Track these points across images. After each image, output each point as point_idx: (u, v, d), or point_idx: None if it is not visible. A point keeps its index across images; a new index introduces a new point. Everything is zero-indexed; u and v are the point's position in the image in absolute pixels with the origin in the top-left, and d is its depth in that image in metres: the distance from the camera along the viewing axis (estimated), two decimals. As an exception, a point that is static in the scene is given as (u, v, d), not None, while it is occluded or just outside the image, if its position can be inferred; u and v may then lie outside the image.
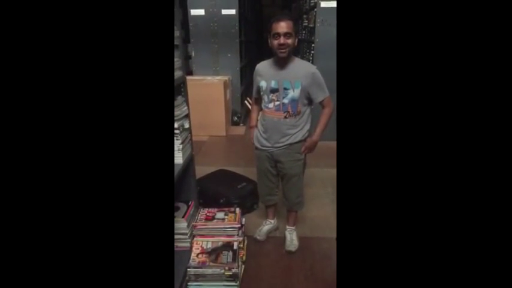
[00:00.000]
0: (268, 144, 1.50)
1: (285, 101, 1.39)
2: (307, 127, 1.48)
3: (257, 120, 1.58)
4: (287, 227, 1.69)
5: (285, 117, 1.41)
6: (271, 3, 8.70)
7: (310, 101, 1.44)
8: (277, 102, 1.41)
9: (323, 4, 2.78)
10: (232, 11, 3.38)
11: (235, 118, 3.77)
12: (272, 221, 1.77)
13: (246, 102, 3.86)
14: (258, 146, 1.55)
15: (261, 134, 1.52)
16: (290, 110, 1.40)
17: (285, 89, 1.38)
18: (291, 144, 1.46)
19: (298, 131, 1.45)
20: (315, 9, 2.90)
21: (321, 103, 1.43)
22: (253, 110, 1.63)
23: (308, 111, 1.46)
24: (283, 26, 1.28)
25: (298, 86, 1.37)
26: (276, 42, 1.30)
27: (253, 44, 5.24)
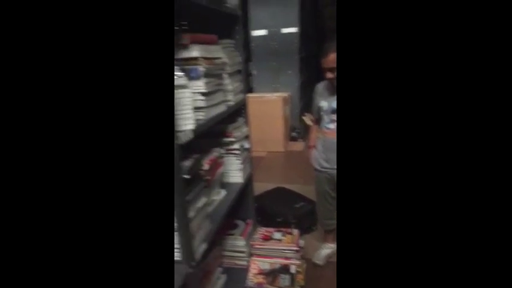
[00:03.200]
0: (327, 165, 1.46)
1: None
2: None
3: (316, 140, 1.55)
4: None
5: None
6: (333, 17, 8.59)
7: None
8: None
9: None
10: (293, 29, 3.43)
11: (294, 134, 3.76)
12: (332, 246, 1.68)
13: (303, 117, 3.83)
14: (318, 167, 1.52)
15: (320, 155, 1.49)
16: None
17: None
18: None
19: None
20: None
21: None
22: (312, 129, 1.61)
23: None
24: (328, 62, 1.29)
25: None
26: (325, 75, 1.34)
27: (314, 58, 5.22)
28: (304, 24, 3.91)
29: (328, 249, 1.67)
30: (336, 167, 1.41)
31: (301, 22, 3.50)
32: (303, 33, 3.66)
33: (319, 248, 1.68)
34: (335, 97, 1.37)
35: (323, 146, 1.47)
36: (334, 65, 1.27)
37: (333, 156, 1.42)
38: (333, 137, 1.40)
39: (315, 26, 5.31)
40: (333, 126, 1.40)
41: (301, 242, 1.54)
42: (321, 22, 6.94)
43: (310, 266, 1.61)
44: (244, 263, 1.46)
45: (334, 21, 8.27)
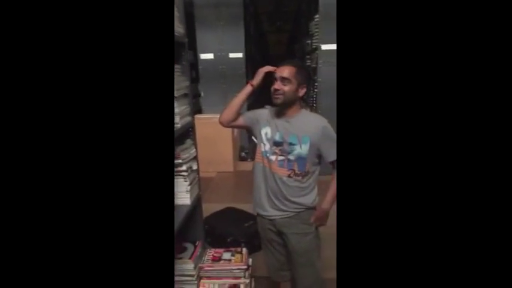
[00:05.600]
0: (267, 210, 1.26)
1: (291, 157, 1.18)
2: (316, 191, 1.26)
3: (253, 168, 1.35)
4: None
5: (289, 175, 1.19)
6: (277, 43, 9.23)
7: (321, 160, 1.24)
8: (281, 157, 1.20)
9: (324, 47, 2.95)
10: (239, 55, 3.60)
11: (243, 154, 3.85)
12: None
13: (253, 138, 3.96)
14: (259, 210, 1.33)
15: (260, 193, 1.29)
16: (295, 169, 1.19)
17: (291, 144, 1.18)
18: (298, 211, 1.22)
19: (304, 195, 1.22)
20: (317, 52, 3.07)
21: (332, 163, 1.20)
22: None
23: (317, 172, 1.25)
24: (281, 71, 1.16)
25: (306, 142, 1.17)
26: (272, 86, 1.18)
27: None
28: (250, 49, 4.13)
29: None
30: (276, 207, 1.24)
31: (246, 47, 3.69)
32: (248, 58, 3.86)
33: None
34: (281, 127, 1.20)
35: (265, 181, 1.25)
36: (287, 75, 1.15)
37: (273, 194, 1.23)
38: (275, 171, 1.21)
39: (259, 51, 5.62)
40: (274, 158, 1.20)
41: (250, 261, 1.57)
42: (265, 48, 7.39)
43: (258, 284, 1.64)
44: (194, 287, 1.43)
45: (277, 47, 8.84)
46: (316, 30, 3.09)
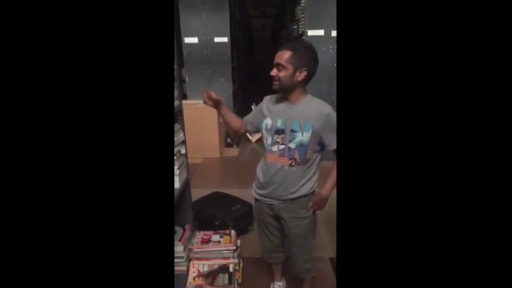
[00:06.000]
0: (268, 195, 1.26)
1: (292, 145, 1.17)
2: (316, 177, 1.25)
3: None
4: None
5: (291, 164, 1.19)
6: (261, 28, 9.10)
7: (322, 147, 1.21)
8: (282, 146, 1.18)
9: (310, 32, 2.95)
10: (224, 39, 3.54)
11: (229, 140, 3.85)
12: (280, 284, 1.51)
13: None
14: (257, 196, 1.31)
15: (260, 182, 1.27)
16: (297, 157, 1.18)
17: (293, 131, 1.16)
18: (294, 198, 1.22)
19: (305, 183, 1.22)
20: (303, 37, 3.07)
21: (334, 151, 1.17)
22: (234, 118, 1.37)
23: (318, 159, 1.23)
24: (278, 56, 1.13)
25: (308, 129, 1.14)
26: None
27: (245, 67, 5.44)
28: (234, 34, 4.07)
29: None
30: (276, 197, 1.24)
31: (231, 32, 3.64)
32: (233, 43, 3.81)
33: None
34: (283, 114, 1.19)
35: (263, 172, 1.25)
36: (280, 61, 1.12)
37: (274, 184, 1.22)
38: (275, 162, 1.20)
39: (244, 36, 5.54)
40: (276, 149, 1.19)
41: (238, 242, 1.61)
42: (250, 32, 7.28)
43: (247, 264, 1.69)
44: (183, 268, 1.46)
45: (262, 32, 8.72)
46: (303, 15, 3.08)
